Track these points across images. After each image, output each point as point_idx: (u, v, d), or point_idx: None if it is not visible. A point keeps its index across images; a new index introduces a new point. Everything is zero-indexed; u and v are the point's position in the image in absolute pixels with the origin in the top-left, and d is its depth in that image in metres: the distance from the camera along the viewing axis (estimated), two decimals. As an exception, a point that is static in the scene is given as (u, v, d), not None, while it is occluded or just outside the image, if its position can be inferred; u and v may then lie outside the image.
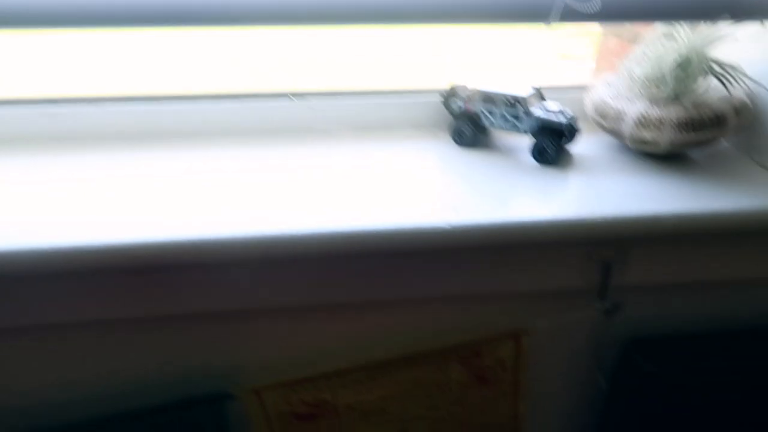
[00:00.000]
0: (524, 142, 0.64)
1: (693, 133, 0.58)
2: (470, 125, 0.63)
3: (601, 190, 0.56)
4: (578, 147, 0.63)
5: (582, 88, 0.71)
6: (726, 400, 0.61)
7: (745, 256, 0.59)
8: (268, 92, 0.65)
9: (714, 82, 0.60)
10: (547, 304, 0.60)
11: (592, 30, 0.88)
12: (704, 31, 0.59)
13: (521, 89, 0.62)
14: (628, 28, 0.78)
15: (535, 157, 0.61)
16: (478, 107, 0.63)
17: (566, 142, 0.60)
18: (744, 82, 0.59)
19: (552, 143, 0.59)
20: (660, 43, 0.61)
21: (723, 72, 0.59)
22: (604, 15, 0.54)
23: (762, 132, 0.61)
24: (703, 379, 0.59)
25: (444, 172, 0.59)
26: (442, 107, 0.66)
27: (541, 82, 0.65)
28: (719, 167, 0.61)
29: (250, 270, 0.54)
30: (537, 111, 0.61)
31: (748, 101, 0.60)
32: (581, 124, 0.62)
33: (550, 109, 0.61)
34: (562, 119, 0.59)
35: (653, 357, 0.58)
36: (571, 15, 0.54)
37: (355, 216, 0.50)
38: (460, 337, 0.58)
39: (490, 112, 0.62)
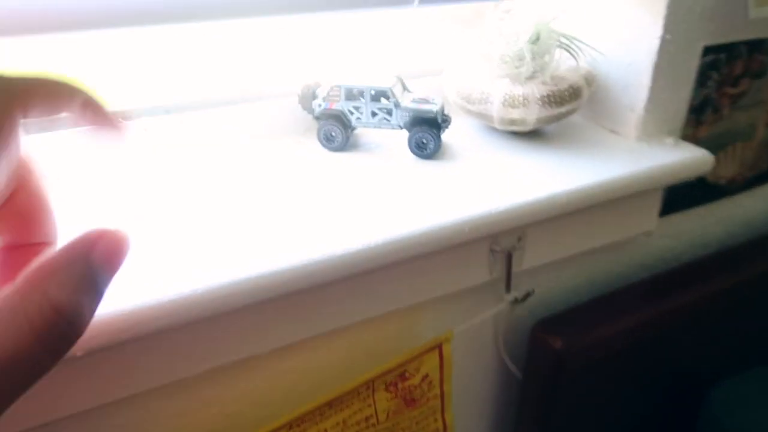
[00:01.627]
0: (396, 136, 0.60)
1: (555, 107, 0.58)
2: (338, 126, 0.57)
3: (488, 179, 0.54)
4: (447, 134, 0.61)
5: (432, 72, 0.69)
6: (635, 357, 0.65)
7: (620, 218, 0.62)
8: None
9: (559, 54, 0.61)
10: (459, 305, 0.57)
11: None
12: (543, 4, 0.60)
13: (383, 80, 0.57)
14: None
15: (415, 152, 0.57)
16: (343, 105, 0.57)
17: (442, 132, 0.57)
18: (586, 52, 0.62)
19: (431, 135, 0.56)
20: (508, 21, 0.61)
21: (569, 44, 0.60)
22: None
23: (604, 98, 0.65)
24: (609, 343, 0.61)
25: (327, 183, 0.52)
26: (299, 109, 0.60)
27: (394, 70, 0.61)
28: (578, 138, 0.63)
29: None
30: (407, 102, 0.57)
31: (593, 70, 0.63)
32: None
33: (419, 98, 0.58)
34: (434, 108, 0.56)
35: (559, 332, 0.59)
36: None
37: (242, 259, 0.42)
38: (382, 361, 0.52)
39: (357, 109, 0.57)
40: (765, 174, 0.80)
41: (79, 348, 0.35)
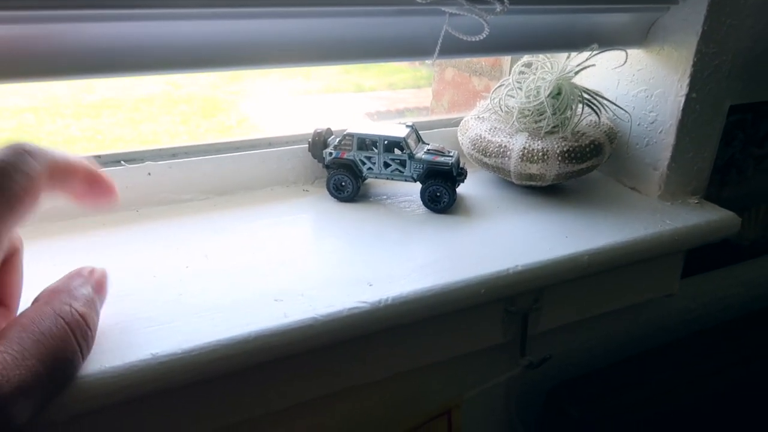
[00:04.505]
0: (409, 187, 0.57)
1: (576, 163, 0.56)
2: (349, 176, 0.55)
3: (505, 236, 0.51)
4: (461, 186, 0.59)
5: (445, 122, 0.67)
6: (655, 427, 0.61)
7: (642, 279, 0.60)
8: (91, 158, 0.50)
9: (580, 110, 0.59)
10: (469, 368, 0.54)
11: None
12: (565, 60, 0.58)
13: (397, 130, 0.55)
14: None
15: (428, 206, 0.55)
16: (354, 155, 0.55)
17: (457, 186, 0.55)
18: (608, 108, 0.60)
19: (445, 188, 0.54)
20: (529, 74, 0.59)
21: (591, 99, 0.59)
22: (486, 48, 0.50)
23: (626, 155, 0.63)
24: (628, 412, 0.57)
25: (334, 236, 0.50)
26: (308, 157, 0.58)
27: (408, 121, 0.60)
28: (598, 195, 0.61)
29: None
30: (421, 153, 0.55)
31: (614, 126, 0.61)
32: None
33: (433, 150, 0.56)
34: (449, 160, 0.54)
35: (576, 399, 0.55)
36: (454, 49, 0.49)
37: (240, 316, 0.39)
38: (387, 426, 0.49)
39: (369, 159, 0.55)
40: (789, 236, 0.77)
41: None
